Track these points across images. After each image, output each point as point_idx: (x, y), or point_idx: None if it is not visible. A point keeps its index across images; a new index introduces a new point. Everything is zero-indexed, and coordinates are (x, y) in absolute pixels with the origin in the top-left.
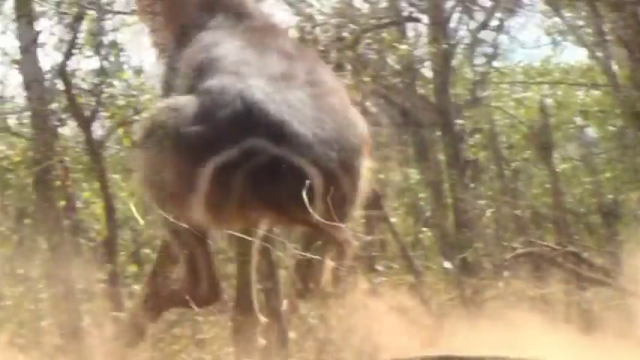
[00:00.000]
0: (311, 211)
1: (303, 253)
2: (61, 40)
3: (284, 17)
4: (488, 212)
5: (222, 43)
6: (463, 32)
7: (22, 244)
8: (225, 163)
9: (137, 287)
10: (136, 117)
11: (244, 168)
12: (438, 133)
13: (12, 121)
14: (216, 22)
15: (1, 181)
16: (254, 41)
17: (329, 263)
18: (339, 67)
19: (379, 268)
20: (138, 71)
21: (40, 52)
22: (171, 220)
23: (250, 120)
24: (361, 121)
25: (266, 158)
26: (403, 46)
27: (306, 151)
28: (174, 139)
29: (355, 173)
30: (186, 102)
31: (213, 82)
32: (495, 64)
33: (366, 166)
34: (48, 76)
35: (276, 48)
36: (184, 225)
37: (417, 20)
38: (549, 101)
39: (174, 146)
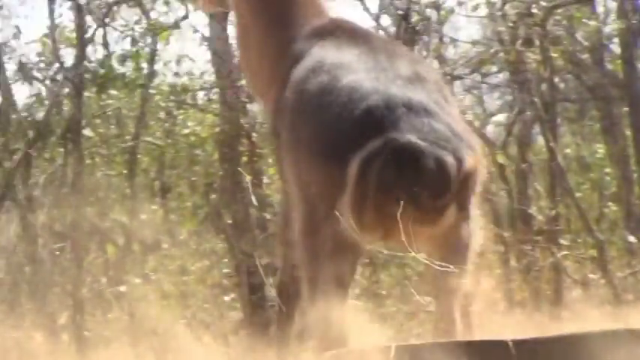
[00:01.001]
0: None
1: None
2: None
3: None
4: None
5: (350, 60)
6: None
7: (208, 219)
8: (374, 159)
9: None
10: None
11: (394, 162)
12: (625, 108)
13: (200, 97)
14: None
15: (189, 157)
16: (379, 53)
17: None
18: (527, 43)
19: (563, 242)
20: None
21: (230, 28)
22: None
23: (393, 115)
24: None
25: (415, 153)
26: (592, 22)
27: (448, 146)
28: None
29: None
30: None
31: (352, 79)
32: None
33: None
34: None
35: (403, 56)
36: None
37: None
38: None
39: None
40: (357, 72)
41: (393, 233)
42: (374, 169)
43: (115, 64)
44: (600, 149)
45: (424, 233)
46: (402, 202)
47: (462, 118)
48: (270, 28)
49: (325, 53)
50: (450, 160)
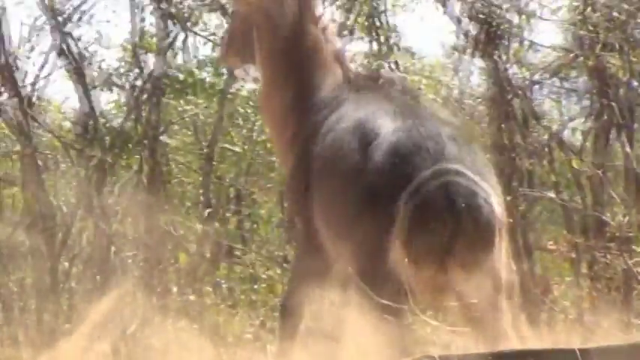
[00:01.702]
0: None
1: None
2: (332, 22)
3: None
4: None
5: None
6: None
7: (281, 227)
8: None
9: None
10: None
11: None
12: None
13: None
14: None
15: (265, 164)
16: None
17: None
18: (607, 48)
19: (636, 248)
20: (409, 52)
21: None
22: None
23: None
24: None
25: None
26: None
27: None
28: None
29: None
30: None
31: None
32: None
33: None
34: None
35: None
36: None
37: None
38: None
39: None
40: (386, 127)
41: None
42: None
43: (194, 69)
44: None
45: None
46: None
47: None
48: (295, 90)
49: (355, 112)
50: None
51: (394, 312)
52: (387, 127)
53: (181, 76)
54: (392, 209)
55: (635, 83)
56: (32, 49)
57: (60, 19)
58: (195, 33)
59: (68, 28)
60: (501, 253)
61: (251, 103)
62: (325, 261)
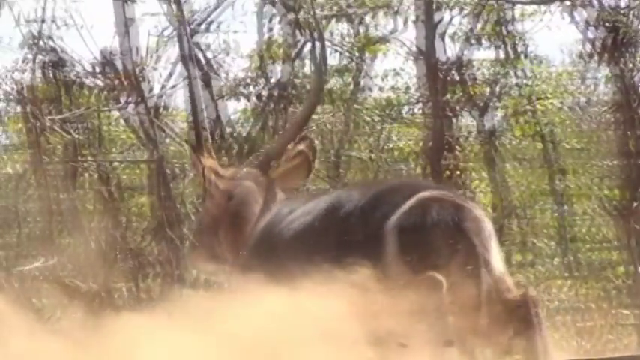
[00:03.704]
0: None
1: None
2: (460, 30)
3: None
4: None
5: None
6: None
7: None
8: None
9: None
10: (529, 107)
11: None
12: None
13: (405, 111)
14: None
15: (393, 171)
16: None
17: None
18: None
19: None
20: (536, 60)
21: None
22: None
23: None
24: None
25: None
26: None
27: None
28: None
29: None
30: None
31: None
32: None
33: None
34: (445, 67)
35: None
36: None
37: None
38: None
39: None
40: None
41: None
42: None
43: None
44: None
45: None
46: None
47: None
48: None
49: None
50: None
51: None
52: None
53: (308, 85)
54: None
55: None
56: (159, 59)
57: (187, 29)
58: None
59: (195, 38)
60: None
61: (378, 111)
62: None
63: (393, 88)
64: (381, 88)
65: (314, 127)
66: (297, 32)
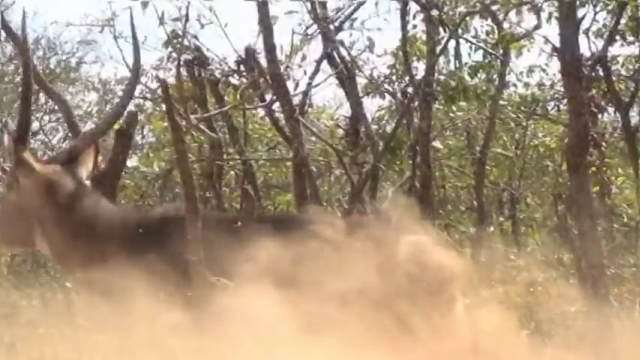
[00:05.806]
0: None
1: None
2: (604, 26)
3: None
4: None
5: None
6: None
7: (556, 230)
8: None
9: None
10: None
11: None
12: None
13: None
14: None
15: (538, 168)
16: None
17: None
18: None
19: None
20: None
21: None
22: None
23: None
24: None
25: None
26: None
27: None
28: None
29: None
30: None
31: None
32: None
33: None
34: (588, 62)
35: None
36: None
37: None
38: None
39: None
40: None
41: None
42: None
43: (465, 75)
44: None
45: None
46: None
47: None
48: None
49: None
50: None
51: None
52: None
53: (453, 83)
54: None
55: None
56: (304, 57)
57: (331, 27)
58: (466, 40)
59: (339, 36)
60: None
61: (522, 108)
62: None
63: (538, 84)
64: (526, 85)
65: (459, 124)
66: (440, 29)
